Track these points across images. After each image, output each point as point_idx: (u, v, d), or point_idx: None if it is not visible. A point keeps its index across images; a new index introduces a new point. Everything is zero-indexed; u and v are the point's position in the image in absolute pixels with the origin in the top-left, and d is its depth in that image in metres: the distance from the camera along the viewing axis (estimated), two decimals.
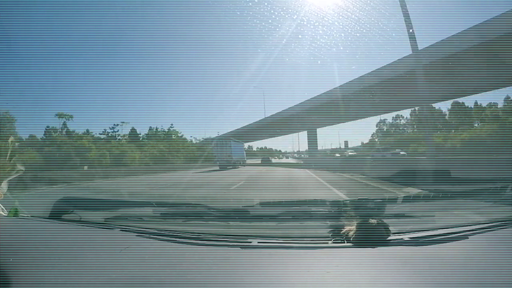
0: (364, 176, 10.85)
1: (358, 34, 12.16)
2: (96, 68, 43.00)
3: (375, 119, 48.47)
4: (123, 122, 28.72)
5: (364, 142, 50.80)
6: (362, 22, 10.31)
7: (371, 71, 20.32)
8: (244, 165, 24.93)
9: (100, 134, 27.86)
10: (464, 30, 14.66)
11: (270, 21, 11.26)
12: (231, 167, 22.42)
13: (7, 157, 1.54)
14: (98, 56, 36.46)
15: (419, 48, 10.76)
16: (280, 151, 66.41)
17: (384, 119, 49.36)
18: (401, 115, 46.93)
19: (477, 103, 37.60)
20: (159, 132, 31.14)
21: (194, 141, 35.07)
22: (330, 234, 1.06)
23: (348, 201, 1.26)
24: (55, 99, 34.66)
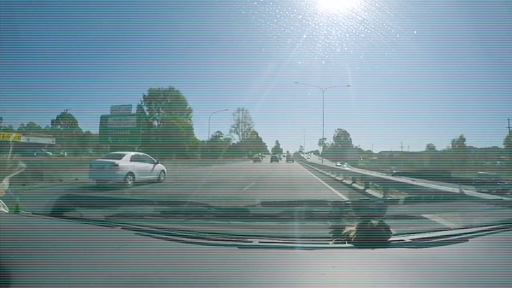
0: None
1: (362, 35, 12.06)
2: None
3: None
4: None
5: None
6: (367, 22, 10.14)
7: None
8: None
9: None
10: None
11: (275, 20, 11.19)
12: None
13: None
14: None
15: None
16: (281, 150, 61.26)
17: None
18: None
19: None
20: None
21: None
22: (331, 235, 1.06)
23: (349, 202, 1.26)
24: None
